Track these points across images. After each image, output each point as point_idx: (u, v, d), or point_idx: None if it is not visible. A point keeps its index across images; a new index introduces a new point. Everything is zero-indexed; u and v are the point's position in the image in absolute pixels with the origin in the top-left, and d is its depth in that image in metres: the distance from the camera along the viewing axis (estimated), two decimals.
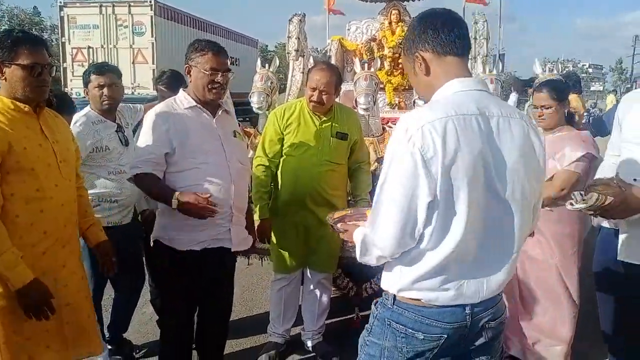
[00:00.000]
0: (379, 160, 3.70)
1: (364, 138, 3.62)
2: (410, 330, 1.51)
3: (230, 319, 2.93)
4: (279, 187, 3.07)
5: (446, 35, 1.51)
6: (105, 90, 2.97)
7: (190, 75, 2.50)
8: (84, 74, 3.11)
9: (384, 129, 3.84)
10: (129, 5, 14.31)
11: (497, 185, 1.44)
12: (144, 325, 3.71)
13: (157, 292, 2.72)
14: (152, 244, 2.70)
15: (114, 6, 14.28)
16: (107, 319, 3.28)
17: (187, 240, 2.48)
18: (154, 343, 3.32)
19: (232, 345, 3.35)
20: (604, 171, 2.51)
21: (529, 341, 3.06)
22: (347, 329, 3.38)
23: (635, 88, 2.85)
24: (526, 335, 3.07)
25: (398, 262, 1.51)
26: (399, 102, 4.99)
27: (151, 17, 14.13)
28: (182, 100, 2.53)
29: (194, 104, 2.51)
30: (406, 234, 1.42)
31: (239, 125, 4.21)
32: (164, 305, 2.70)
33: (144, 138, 2.46)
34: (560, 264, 2.93)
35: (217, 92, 2.49)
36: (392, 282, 1.54)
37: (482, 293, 1.50)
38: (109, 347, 3.15)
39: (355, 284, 3.50)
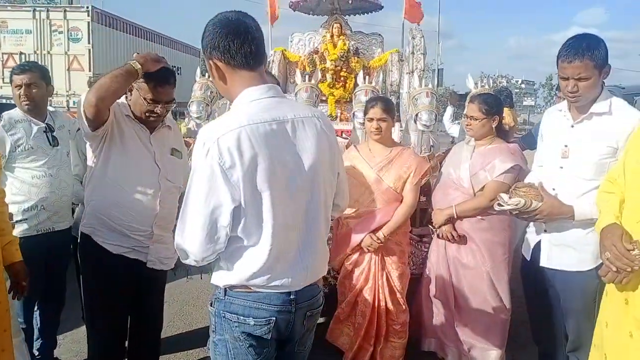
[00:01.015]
0: None
1: None
2: (242, 317, 1.60)
3: (170, 334, 2.85)
4: None
5: (237, 49, 1.54)
6: (22, 90, 2.85)
7: (131, 93, 2.40)
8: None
9: None
10: (65, 11, 13.83)
11: (300, 182, 1.58)
12: (76, 343, 3.55)
13: (86, 304, 2.59)
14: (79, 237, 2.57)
15: (48, 11, 13.75)
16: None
17: (104, 235, 2.40)
18: None
19: None
20: (528, 177, 2.65)
21: (465, 347, 3.16)
22: None
23: (555, 102, 3.06)
24: (462, 341, 3.16)
25: (224, 260, 1.61)
26: (341, 114, 5.07)
27: (88, 23, 13.69)
28: (122, 108, 2.44)
29: (132, 116, 2.44)
30: (212, 239, 1.51)
31: None
32: (92, 318, 2.56)
33: None
34: (492, 270, 3.05)
35: (155, 120, 2.44)
36: (221, 278, 1.64)
37: (304, 280, 1.65)
38: None
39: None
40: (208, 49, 1.59)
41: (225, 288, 1.64)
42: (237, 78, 1.60)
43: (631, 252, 1.80)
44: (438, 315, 3.26)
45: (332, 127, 1.75)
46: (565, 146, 2.36)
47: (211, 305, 1.70)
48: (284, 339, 1.70)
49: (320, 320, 3.74)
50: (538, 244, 2.47)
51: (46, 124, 2.97)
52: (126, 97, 2.44)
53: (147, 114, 2.40)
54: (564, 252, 2.28)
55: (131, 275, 2.43)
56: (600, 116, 2.29)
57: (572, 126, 2.37)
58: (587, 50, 2.18)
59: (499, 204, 2.36)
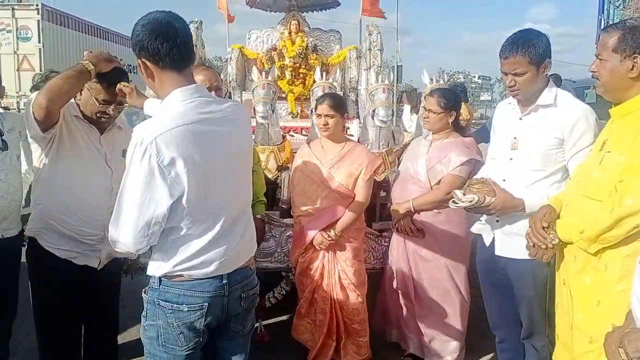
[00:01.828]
0: (280, 168, 3.72)
1: (264, 147, 3.63)
2: (176, 305, 1.69)
3: (129, 339, 2.78)
4: None
5: (165, 52, 1.61)
6: None
7: (81, 92, 2.32)
8: None
9: (284, 137, 3.86)
10: (13, 9, 13.28)
11: (229, 174, 1.71)
12: (31, 352, 3.41)
13: (35, 311, 2.48)
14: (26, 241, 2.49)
15: None
16: None
17: (51, 239, 2.33)
18: None
19: None
20: (480, 171, 2.71)
21: (426, 339, 3.21)
22: (251, 342, 3.33)
23: (508, 96, 3.15)
24: (422, 333, 3.21)
25: (159, 251, 1.70)
26: (301, 111, 5.06)
27: (38, 21, 13.22)
28: (71, 108, 2.36)
29: (81, 117, 2.37)
30: (146, 233, 1.60)
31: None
32: (42, 326, 2.47)
33: None
34: (450, 262, 3.12)
35: (106, 121, 2.38)
36: (156, 268, 1.72)
37: (235, 264, 1.77)
38: None
39: (258, 295, 3.46)
40: (137, 48, 1.64)
41: (160, 277, 1.71)
42: (166, 78, 1.67)
43: (546, 229, 2.01)
44: (400, 307, 3.30)
45: (249, 121, 1.93)
46: (515, 138, 2.42)
47: (144, 293, 1.78)
48: (220, 322, 1.80)
49: (285, 317, 3.78)
50: (491, 233, 2.53)
51: None
52: (75, 97, 2.36)
53: (98, 115, 2.34)
54: (515, 241, 2.34)
55: (81, 281, 2.36)
56: (546, 108, 2.35)
57: (520, 119, 2.43)
58: (521, 47, 2.24)
59: (454, 201, 2.41)
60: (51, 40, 13.68)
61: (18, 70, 13.07)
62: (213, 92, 2.66)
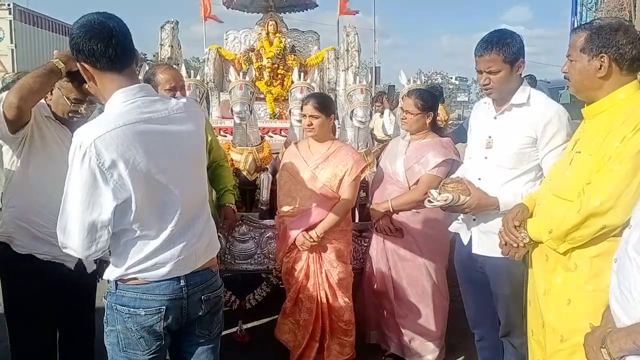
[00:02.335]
0: (258, 169, 3.70)
1: (243, 148, 3.61)
2: (133, 310, 1.67)
3: None
4: None
5: (100, 53, 1.58)
6: None
7: (51, 92, 2.27)
8: None
9: (262, 138, 3.84)
10: None
11: (178, 174, 1.68)
12: None
13: (8, 318, 2.42)
14: None
15: None
16: None
17: (24, 243, 2.26)
18: None
19: None
20: (458, 170, 2.73)
21: (406, 338, 3.21)
22: (230, 343, 3.31)
23: (484, 96, 3.19)
24: (403, 333, 3.21)
25: (113, 255, 1.68)
26: (280, 112, 5.04)
27: (10, 21, 12.97)
28: (41, 109, 2.30)
29: (51, 116, 2.31)
30: (94, 238, 1.57)
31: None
32: (14, 333, 2.40)
33: None
34: (429, 262, 3.13)
35: (78, 121, 2.30)
36: (111, 272, 1.70)
37: (192, 265, 1.74)
38: None
39: (238, 297, 3.44)
40: (74, 52, 1.62)
41: (115, 281, 1.69)
42: (106, 80, 1.64)
43: (517, 228, 2.05)
44: (380, 308, 3.31)
45: (202, 119, 1.89)
46: (489, 137, 2.44)
47: (104, 298, 1.75)
48: (181, 326, 1.77)
49: (266, 319, 3.76)
50: (468, 232, 2.55)
51: None
52: (45, 98, 2.31)
53: (70, 115, 2.29)
54: (491, 239, 2.36)
55: (55, 283, 2.30)
56: (519, 107, 2.38)
57: (495, 118, 2.46)
58: (496, 45, 2.27)
59: (429, 200, 2.43)
60: (24, 40, 13.41)
61: None
62: (178, 92, 2.64)
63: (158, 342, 1.73)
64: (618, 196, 1.74)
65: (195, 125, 1.79)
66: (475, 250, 2.50)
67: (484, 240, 2.46)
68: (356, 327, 3.21)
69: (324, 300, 3.07)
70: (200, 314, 1.80)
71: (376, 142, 4.60)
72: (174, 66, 4.33)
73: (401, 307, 3.20)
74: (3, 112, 2.06)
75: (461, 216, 2.56)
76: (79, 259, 2.34)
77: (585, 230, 1.81)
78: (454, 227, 2.67)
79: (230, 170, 3.30)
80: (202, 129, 1.86)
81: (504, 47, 2.26)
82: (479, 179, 2.45)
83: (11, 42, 12.98)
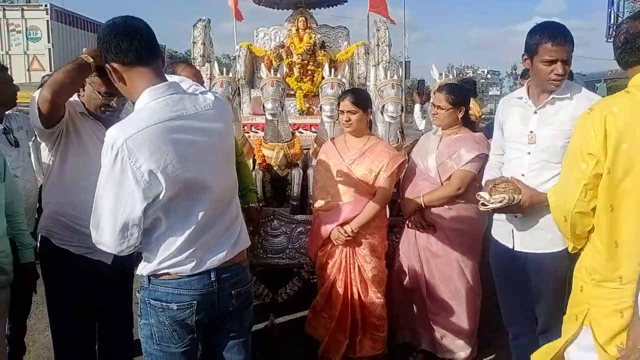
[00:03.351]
0: (290, 165, 3.73)
1: (274, 144, 3.64)
2: (165, 304, 1.71)
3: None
4: None
5: (127, 47, 1.63)
6: None
7: (84, 88, 2.34)
8: None
9: (293, 134, 3.87)
10: (22, 9, 13.40)
11: (209, 171, 1.69)
12: (46, 349, 3.46)
13: (50, 308, 2.51)
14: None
15: (4, 10, 13.30)
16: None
17: (64, 236, 2.33)
18: None
19: None
20: (491, 169, 2.69)
21: (437, 335, 3.20)
22: (262, 337, 3.36)
23: (518, 88, 3.13)
24: (435, 330, 3.20)
25: (145, 250, 1.71)
26: (309, 108, 5.06)
27: (47, 21, 13.33)
28: (76, 106, 2.37)
29: (85, 112, 2.38)
30: (125, 235, 1.60)
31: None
32: (55, 325, 2.49)
33: None
34: (461, 258, 3.10)
35: (110, 114, 2.37)
36: (143, 267, 1.74)
37: (223, 260, 1.76)
38: None
39: (270, 290, 3.49)
40: (103, 54, 1.67)
41: (148, 276, 1.73)
42: (135, 76, 1.67)
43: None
44: (409, 304, 3.30)
45: (230, 115, 1.92)
46: (531, 132, 2.40)
47: (138, 292, 1.79)
48: (213, 320, 1.80)
49: (297, 314, 3.79)
50: (509, 229, 2.51)
51: (4, 125, 2.88)
52: (79, 95, 2.38)
53: (102, 108, 2.34)
54: (535, 235, 2.34)
55: (94, 276, 2.37)
56: (562, 100, 2.35)
57: (535, 112, 2.41)
58: (568, 35, 2.25)
59: (482, 204, 2.37)
60: (60, 40, 13.77)
61: (28, 70, 13.19)
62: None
63: (190, 336, 1.76)
64: None
65: (224, 122, 1.81)
66: (518, 247, 2.46)
67: (527, 237, 2.42)
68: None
69: (357, 296, 3.08)
70: (231, 308, 1.82)
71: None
72: (195, 63, 4.42)
73: (433, 303, 3.18)
74: (38, 107, 2.13)
75: (503, 215, 2.51)
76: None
77: None
78: (495, 231, 2.63)
79: (248, 166, 3.34)
80: (231, 125, 1.88)
81: (572, 37, 2.26)
82: (522, 175, 2.40)
83: (48, 42, 13.34)
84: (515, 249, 2.48)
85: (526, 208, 2.33)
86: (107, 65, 1.69)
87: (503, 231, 2.56)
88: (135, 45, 1.62)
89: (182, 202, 1.65)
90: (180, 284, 1.71)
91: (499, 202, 2.30)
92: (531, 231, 2.40)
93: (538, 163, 2.37)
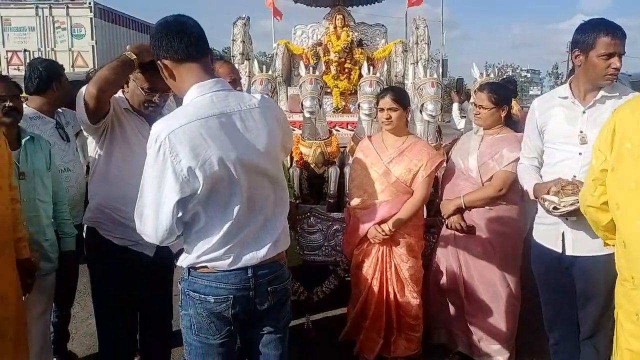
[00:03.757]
0: (327, 163, 3.73)
1: (311, 142, 3.65)
2: (203, 296, 1.75)
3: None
4: None
5: (178, 43, 1.68)
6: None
7: (128, 85, 2.40)
8: None
9: (330, 132, 3.87)
10: (67, 7, 13.83)
11: (250, 168, 1.70)
12: (89, 337, 3.58)
13: (95, 297, 2.60)
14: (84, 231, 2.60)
15: (51, 7, 13.75)
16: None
17: (109, 228, 2.40)
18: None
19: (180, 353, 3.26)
20: (529, 172, 2.59)
21: (475, 338, 3.15)
22: (297, 336, 3.37)
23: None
24: (472, 332, 3.15)
25: (185, 242, 1.76)
26: (345, 106, 5.05)
27: (91, 19, 13.72)
28: (120, 102, 2.43)
29: (130, 108, 2.43)
30: (166, 226, 1.64)
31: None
32: (99, 313, 2.57)
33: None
34: (501, 261, 3.04)
35: (153, 110, 2.42)
36: (183, 259, 1.79)
37: (261, 257, 1.77)
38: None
39: (306, 289, 3.50)
40: (154, 51, 1.74)
41: (188, 268, 1.78)
42: (184, 71, 1.72)
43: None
44: (448, 306, 3.26)
45: (278, 112, 1.91)
46: (581, 132, 2.34)
47: (179, 283, 1.84)
48: (250, 315, 1.82)
49: (333, 312, 3.79)
50: (559, 232, 2.44)
51: (56, 120, 3.01)
52: (123, 91, 2.44)
53: (145, 104, 2.39)
54: (590, 238, 2.28)
55: (137, 268, 2.42)
56: (611, 99, 2.30)
57: (584, 112, 2.36)
58: (623, 29, 2.24)
59: (555, 207, 2.28)
60: (103, 37, 14.15)
61: (73, 67, 13.59)
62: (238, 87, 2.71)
63: (227, 328, 1.79)
64: None
65: (270, 121, 1.79)
66: (570, 251, 2.40)
67: (580, 240, 2.36)
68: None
69: (392, 295, 3.06)
70: (267, 305, 1.83)
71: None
72: (235, 61, 4.47)
73: (471, 305, 3.13)
74: (85, 102, 2.20)
75: (544, 214, 2.45)
76: (158, 246, 2.48)
77: None
78: (539, 235, 2.57)
79: (284, 164, 3.35)
80: (278, 124, 1.85)
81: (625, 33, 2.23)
82: (574, 176, 2.33)
83: (92, 39, 13.74)
84: (565, 253, 2.41)
85: None
86: (158, 62, 1.74)
87: (550, 235, 2.49)
88: (185, 41, 1.68)
89: (220, 198, 1.68)
90: (218, 277, 1.74)
91: (571, 204, 2.23)
92: (584, 234, 2.34)
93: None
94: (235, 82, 2.71)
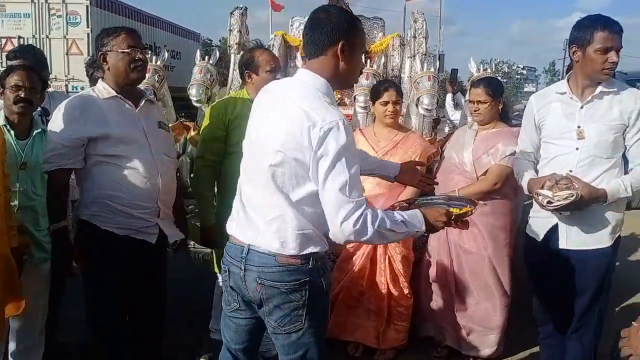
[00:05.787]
0: None
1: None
2: (223, 264, 1.89)
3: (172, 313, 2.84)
4: (224, 187, 2.82)
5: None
6: None
7: (107, 62, 2.38)
8: None
9: None
10: None
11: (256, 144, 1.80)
12: (80, 322, 3.55)
13: (88, 289, 2.57)
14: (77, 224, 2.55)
15: None
16: None
17: (109, 220, 2.37)
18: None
19: (172, 343, 3.26)
20: (525, 167, 2.59)
21: (464, 331, 3.16)
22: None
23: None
24: (461, 326, 3.17)
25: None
26: (342, 98, 5.03)
27: (87, 6, 13.52)
28: (101, 90, 2.40)
29: (114, 93, 2.40)
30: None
31: (179, 120, 4.09)
32: (95, 300, 2.55)
33: (57, 128, 2.32)
34: (493, 255, 3.05)
35: (141, 70, 2.41)
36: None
37: (249, 238, 1.76)
38: None
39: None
40: (345, 31, 1.76)
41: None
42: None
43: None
44: (437, 299, 3.27)
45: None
46: (579, 127, 2.36)
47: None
48: (250, 301, 1.82)
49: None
50: (553, 226, 2.46)
51: (42, 107, 2.97)
52: (103, 79, 2.44)
53: (132, 66, 2.36)
54: (584, 232, 2.32)
55: (136, 257, 2.41)
56: (609, 95, 2.32)
57: (582, 107, 2.37)
58: (620, 25, 2.26)
59: (549, 202, 2.27)
60: (99, 25, 13.90)
61: (67, 54, 13.45)
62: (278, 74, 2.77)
63: (234, 303, 1.86)
64: None
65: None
66: (564, 245, 2.42)
67: (574, 234, 2.39)
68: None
69: (384, 287, 3.08)
70: (258, 297, 1.76)
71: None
72: (231, 51, 4.48)
73: (461, 299, 3.15)
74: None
75: (538, 209, 2.46)
76: (159, 234, 2.48)
77: None
78: (532, 228, 2.58)
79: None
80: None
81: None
82: (570, 171, 2.35)
83: (87, 27, 13.56)
84: (560, 247, 2.43)
85: (585, 204, 2.28)
86: (343, 42, 1.76)
87: (544, 229, 2.51)
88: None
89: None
90: (227, 247, 1.85)
91: (564, 198, 2.24)
92: (579, 228, 2.37)
93: (588, 159, 2.33)
94: (276, 70, 2.78)
